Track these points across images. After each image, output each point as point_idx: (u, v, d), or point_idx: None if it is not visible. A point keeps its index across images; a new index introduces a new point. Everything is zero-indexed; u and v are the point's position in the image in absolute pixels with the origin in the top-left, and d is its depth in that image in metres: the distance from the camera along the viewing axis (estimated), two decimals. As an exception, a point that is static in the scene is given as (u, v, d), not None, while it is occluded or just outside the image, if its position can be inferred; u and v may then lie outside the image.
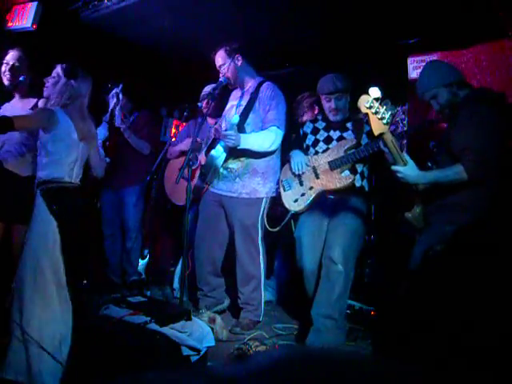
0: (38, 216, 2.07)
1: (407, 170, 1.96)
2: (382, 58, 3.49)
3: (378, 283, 3.20)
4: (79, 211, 2.19)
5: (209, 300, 3.02)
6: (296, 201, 2.83)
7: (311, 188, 2.79)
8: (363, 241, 2.79)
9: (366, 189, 2.80)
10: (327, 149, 2.82)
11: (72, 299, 2.04)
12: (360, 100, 1.99)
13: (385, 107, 1.95)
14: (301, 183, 2.84)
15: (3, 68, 2.73)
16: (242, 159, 2.89)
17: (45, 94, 2.27)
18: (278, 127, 2.81)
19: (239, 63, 2.91)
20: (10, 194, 2.53)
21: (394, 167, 1.99)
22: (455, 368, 1.66)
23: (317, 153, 2.86)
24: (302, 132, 3.01)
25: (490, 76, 2.96)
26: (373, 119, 1.95)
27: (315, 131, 2.93)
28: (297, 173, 2.82)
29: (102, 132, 2.97)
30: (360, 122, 2.80)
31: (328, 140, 2.85)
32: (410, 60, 3.41)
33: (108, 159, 2.85)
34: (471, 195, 1.95)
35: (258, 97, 2.86)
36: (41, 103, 2.76)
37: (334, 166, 2.73)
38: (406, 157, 1.98)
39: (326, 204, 2.76)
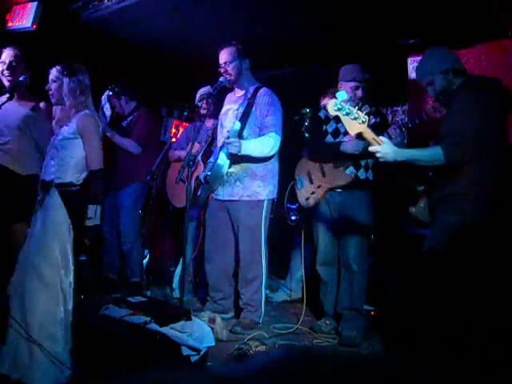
0: (53, 214, 2.07)
1: (384, 148, 1.96)
2: (382, 57, 3.49)
3: (378, 283, 3.20)
4: (84, 212, 2.19)
5: (215, 306, 3.02)
6: (307, 199, 2.97)
7: (319, 186, 2.91)
8: (373, 231, 3.00)
9: (371, 179, 2.88)
10: None
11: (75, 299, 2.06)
12: (328, 104, 1.97)
13: (357, 107, 1.98)
14: (311, 181, 2.96)
15: (0, 67, 2.65)
16: (240, 163, 2.92)
17: (53, 100, 2.26)
18: (276, 133, 2.87)
19: (246, 67, 2.94)
20: (9, 193, 2.52)
21: (371, 148, 1.98)
22: (455, 368, 1.66)
23: None
24: (322, 115, 3.01)
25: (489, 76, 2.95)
26: (345, 120, 1.96)
27: (326, 120, 2.97)
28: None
29: None
30: (368, 113, 2.84)
31: (336, 133, 2.92)
32: (409, 60, 3.41)
33: None
34: (471, 183, 1.95)
35: (255, 102, 2.90)
36: (42, 105, 2.73)
37: (337, 164, 2.83)
38: (381, 137, 1.99)
39: (334, 198, 2.89)
